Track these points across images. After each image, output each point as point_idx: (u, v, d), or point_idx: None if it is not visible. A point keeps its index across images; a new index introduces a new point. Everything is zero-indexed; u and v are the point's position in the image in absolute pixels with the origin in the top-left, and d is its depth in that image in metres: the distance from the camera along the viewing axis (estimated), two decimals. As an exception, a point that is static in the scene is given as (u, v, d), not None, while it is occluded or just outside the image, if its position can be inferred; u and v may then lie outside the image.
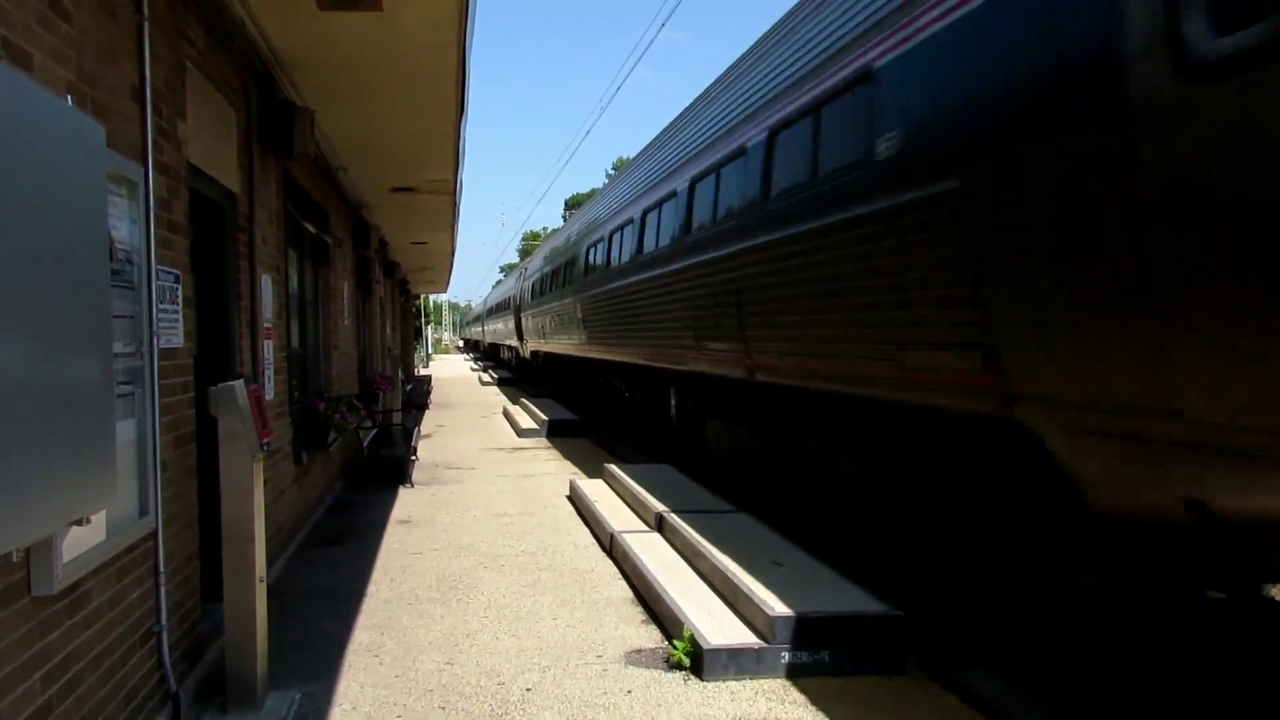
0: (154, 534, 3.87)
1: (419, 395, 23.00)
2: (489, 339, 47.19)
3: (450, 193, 11.79)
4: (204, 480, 4.62)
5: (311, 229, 8.66)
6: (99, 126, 2.83)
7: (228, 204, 5.68)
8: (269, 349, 6.45)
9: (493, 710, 4.28)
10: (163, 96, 4.18)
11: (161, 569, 3.94)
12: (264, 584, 4.26)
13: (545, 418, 16.15)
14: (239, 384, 4.11)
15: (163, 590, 3.94)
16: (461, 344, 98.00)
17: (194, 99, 4.76)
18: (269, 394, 6.44)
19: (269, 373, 6.43)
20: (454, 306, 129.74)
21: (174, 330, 4.24)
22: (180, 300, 4.34)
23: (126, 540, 3.53)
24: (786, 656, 4.70)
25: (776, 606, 4.87)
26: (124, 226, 3.58)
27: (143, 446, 3.74)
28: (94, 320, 2.59)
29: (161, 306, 4.06)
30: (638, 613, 5.76)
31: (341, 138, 8.65)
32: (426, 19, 5.48)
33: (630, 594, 6.17)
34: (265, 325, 6.35)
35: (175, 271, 4.29)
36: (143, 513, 3.73)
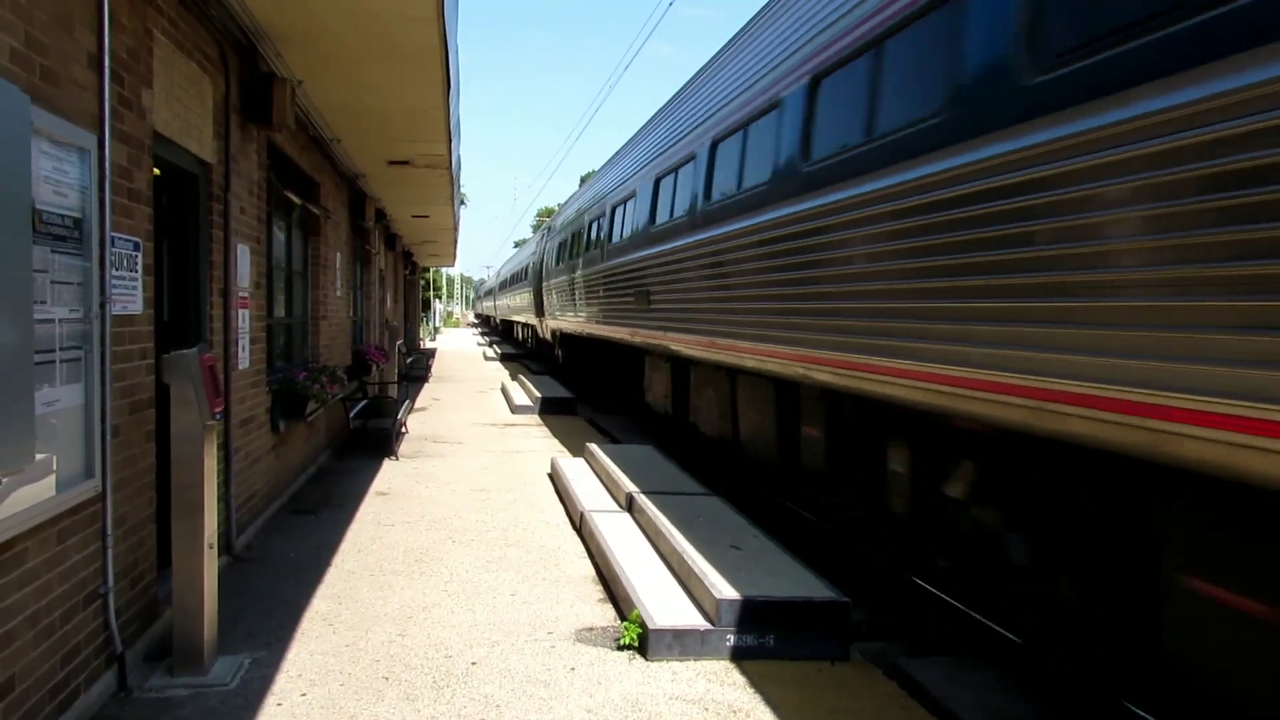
0: (101, 497, 3.94)
1: (419, 368, 23.10)
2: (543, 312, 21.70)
3: (446, 167, 11.82)
4: (167, 446, 4.68)
5: (298, 200, 8.70)
6: (23, 94, 2.86)
7: (201, 173, 5.72)
8: (245, 318, 6.50)
9: (435, 681, 4.35)
10: (125, 65, 4.21)
11: (109, 531, 4.01)
12: (214, 550, 4.33)
13: (539, 395, 16.21)
14: (192, 352, 4.16)
15: (110, 552, 4.01)
16: (474, 320, 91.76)
17: (163, 68, 4.79)
18: (244, 363, 6.51)
19: (244, 342, 6.49)
20: (467, 280, 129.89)
21: (131, 297, 4.29)
22: (140, 267, 4.39)
23: (68, 502, 3.60)
24: (731, 639, 4.75)
25: (724, 589, 4.92)
26: (73, 194, 3.63)
27: (90, 410, 3.80)
28: (11, 285, 2.64)
29: (118, 273, 4.12)
30: (596, 591, 5.82)
31: (332, 109, 8.67)
32: (402, -6, 5.51)
33: (593, 573, 6.23)
34: (241, 295, 6.40)
35: (135, 239, 4.34)
36: (88, 475, 3.79)
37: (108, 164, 3.92)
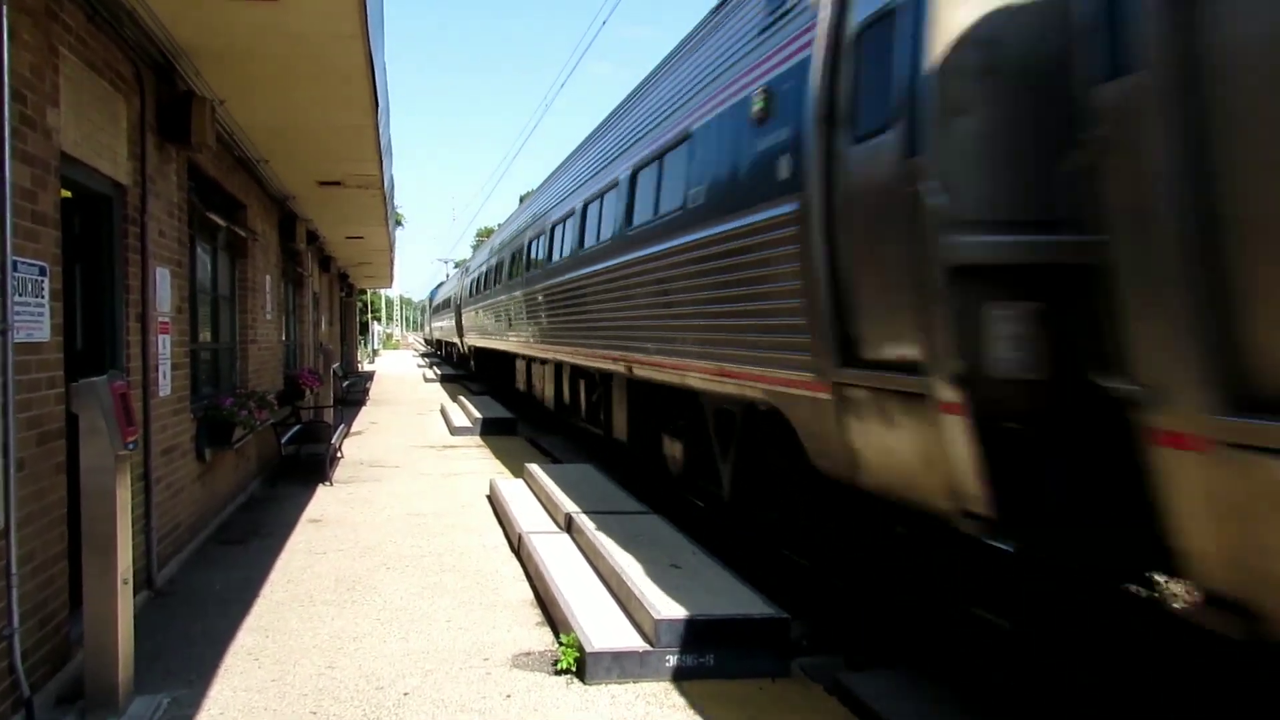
0: (4, 533, 3.75)
1: (356, 391, 22.72)
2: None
3: (379, 187, 11.65)
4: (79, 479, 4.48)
5: (223, 222, 8.48)
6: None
7: (116, 195, 5.53)
8: (166, 344, 6.30)
9: (365, 715, 4.21)
10: (27, 83, 4.05)
11: (14, 570, 3.81)
12: (128, 586, 4.14)
13: (479, 415, 16.03)
14: (102, 379, 4.00)
15: (14, 592, 3.81)
16: (424, 345, 71.48)
17: (70, 87, 4.62)
18: (165, 390, 6.29)
19: (164, 368, 6.28)
20: (407, 301, 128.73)
21: (37, 324, 4.11)
22: (46, 293, 4.21)
23: (-34, 541, 3.41)
24: (671, 659, 4.69)
25: (663, 609, 4.86)
26: (-32, 216, 3.46)
27: (-8, 444, 3.62)
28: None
29: (22, 299, 3.94)
30: (535, 615, 5.72)
31: (257, 129, 8.49)
32: (323, 10, 5.39)
33: (531, 596, 6.12)
34: (161, 320, 6.20)
35: (41, 263, 4.16)
36: (-10, 512, 3.61)
37: (8, 185, 3.75)
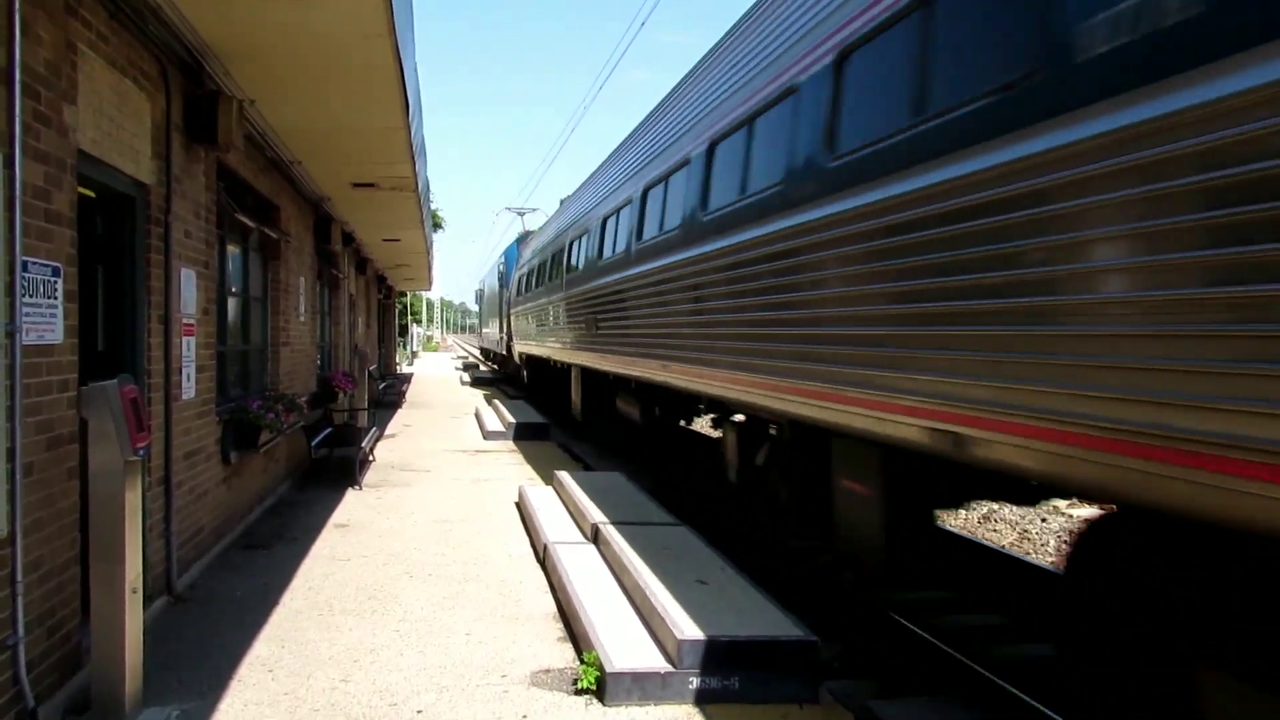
0: (10, 540, 3.66)
1: (392, 393, 22.75)
2: None
3: (412, 189, 11.59)
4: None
5: (253, 223, 8.42)
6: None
7: (139, 195, 5.46)
8: (189, 345, 6.23)
9: (375, 733, 4.08)
10: (42, 79, 3.97)
11: (19, 577, 3.72)
12: (138, 595, 4.04)
13: (512, 420, 15.93)
14: (112, 383, 3.90)
15: (19, 600, 3.72)
16: (483, 356, 48.24)
17: (89, 84, 4.55)
18: (189, 393, 6.23)
19: (189, 370, 6.21)
20: (447, 304, 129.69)
21: (49, 325, 4.02)
22: (60, 294, 4.13)
23: (-35, 549, 3.32)
24: (694, 682, 4.50)
25: (687, 628, 4.67)
26: (-27, 215, 3.38)
27: (-4, 448, 3.53)
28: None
29: (33, 300, 3.86)
30: (557, 629, 5.55)
31: (289, 131, 8.44)
32: (349, 9, 5.30)
33: (554, 609, 5.96)
34: (186, 321, 6.13)
35: (54, 264, 4.08)
36: (-7, 519, 3.52)
37: (18, 183, 3.66)
